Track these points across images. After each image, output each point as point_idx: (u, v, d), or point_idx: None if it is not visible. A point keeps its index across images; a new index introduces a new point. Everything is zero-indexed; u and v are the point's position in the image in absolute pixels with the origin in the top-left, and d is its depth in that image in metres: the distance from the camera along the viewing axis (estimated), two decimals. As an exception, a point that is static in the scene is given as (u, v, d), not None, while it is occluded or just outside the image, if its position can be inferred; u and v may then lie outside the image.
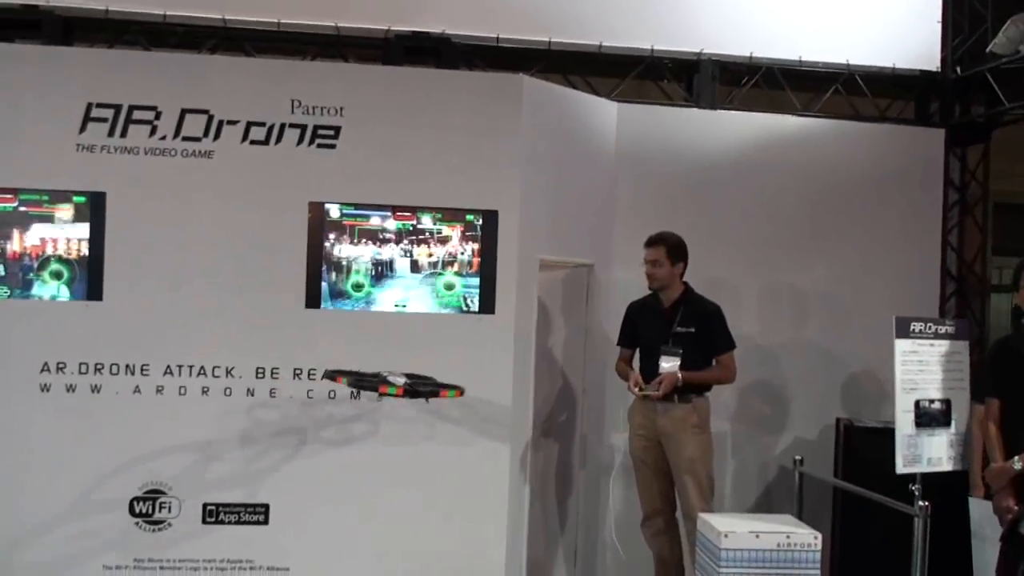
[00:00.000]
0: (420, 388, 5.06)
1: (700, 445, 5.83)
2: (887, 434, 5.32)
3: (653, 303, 6.00)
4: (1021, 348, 4.96)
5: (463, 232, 5.92)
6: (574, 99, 6.54)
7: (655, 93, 7.28)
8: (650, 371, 5.85)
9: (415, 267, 5.91)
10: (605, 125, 6.66)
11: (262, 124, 5.86)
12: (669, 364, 5.76)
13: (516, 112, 5.99)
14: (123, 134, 5.76)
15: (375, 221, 5.89)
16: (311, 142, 5.89)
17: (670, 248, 5.86)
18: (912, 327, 5.37)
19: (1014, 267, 5.03)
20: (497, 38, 6.79)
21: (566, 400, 6.63)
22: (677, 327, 5.83)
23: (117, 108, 5.76)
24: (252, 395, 5.80)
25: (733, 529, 5.04)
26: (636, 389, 5.80)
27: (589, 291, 6.56)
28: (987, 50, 7.09)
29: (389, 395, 5.05)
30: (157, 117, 5.78)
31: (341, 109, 5.90)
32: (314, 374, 5.82)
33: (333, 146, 5.89)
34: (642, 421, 5.91)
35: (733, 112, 6.98)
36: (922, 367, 5.35)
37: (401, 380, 5.09)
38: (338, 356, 5.75)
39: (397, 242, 5.89)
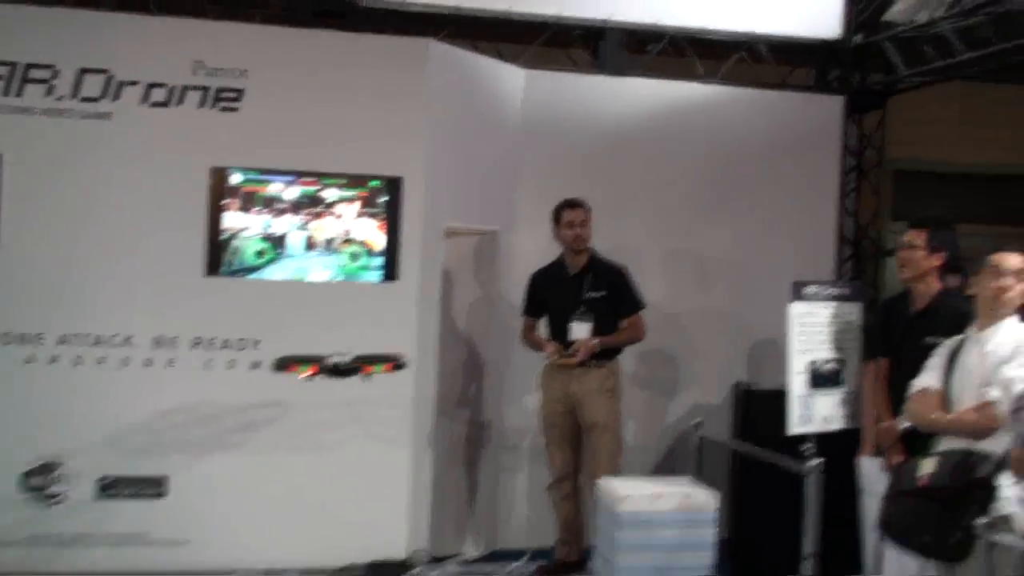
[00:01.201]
0: (345, 366, 4.89)
1: (613, 409, 5.93)
2: (784, 396, 5.46)
3: (558, 270, 6.03)
4: (906, 309, 5.12)
5: (367, 199, 5.90)
6: (481, 65, 6.53)
7: (561, 58, 7.30)
8: (561, 338, 5.90)
9: (318, 235, 5.87)
10: (512, 91, 6.67)
11: (163, 85, 5.76)
12: (582, 330, 5.81)
13: (422, 77, 5.97)
14: (19, 93, 5.63)
15: (278, 187, 5.83)
16: (213, 104, 5.81)
17: (588, 211, 5.93)
18: (807, 290, 5.50)
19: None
20: (404, 1, 6.72)
21: (473, 368, 6.66)
22: (588, 292, 5.88)
23: (12, 66, 5.62)
24: (150, 365, 5.73)
25: (631, 492, 5.14)
26: (555, 357, 5.84)
27: (495, 259, 6.58)
28: (884, 18, 7.23)
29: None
30: (54, 76, 5.65)
31: (245, 71, 5.83)
32: (213, 344, 5.76)
33: (236, 109, 5.82)
34: (556, 386, 5.95)
35: (639, 79, 7.02)
36: (816, 329, 5.49)
37: (347, 359, 4.91)
38: (238, 326, 5.72)
39: (300, 209, 5.84)
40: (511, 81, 6.66)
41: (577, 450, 6.03)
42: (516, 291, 6.33)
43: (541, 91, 6.75)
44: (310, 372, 4.87)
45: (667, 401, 7.01)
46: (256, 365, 5.74)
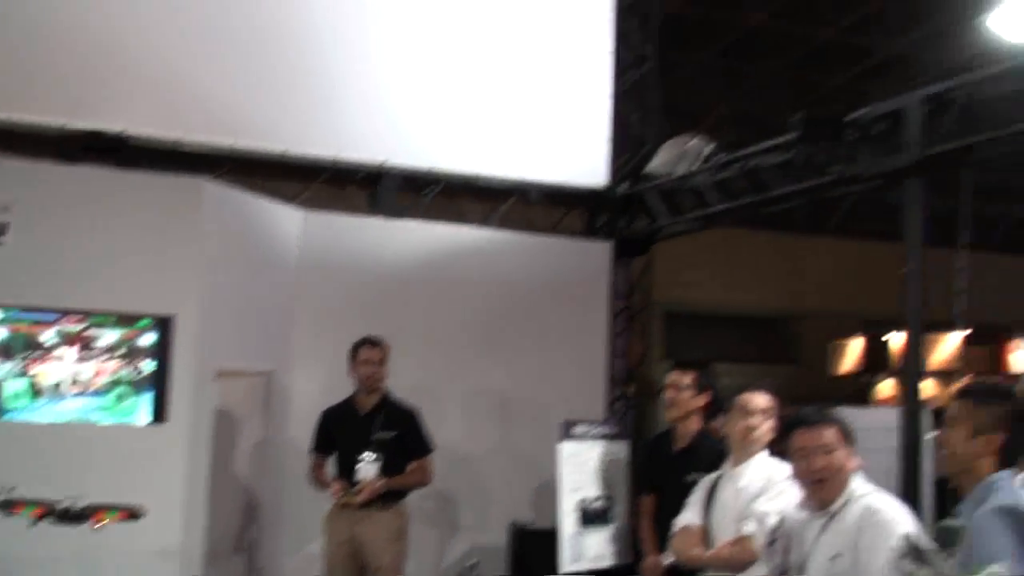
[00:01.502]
0: (76, 511, 4.61)
1: (399, 552, 5.82)
2: (555, 535, 5.53)
3: (350, 409, 5.93)
4: (669, 447, 5.32)
5: (136, 338, 5.74)
6: (257, 206, 6.54)
7: (340, 200, 7.38)
8: (349, 478, 5.79)
9: (84, 375, 5.65)
10: (289, 232, 6.69)
11: (-82, 219, 5.50)
12: (370, 470, 5.71)
13: (195, 216, 5.93)
14: None
15: (42, 326, 5.61)
16: (-27, 239, 5.58)
17: (384, 351, 5.88)
18: (576, 429, 5.66)
19: None
20: (179, 141, 6.67)
21: (249, 513, 6.47)
22: (377, 432, 5.80)
23: None
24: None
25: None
26: (337, 497, 5.75)
27: (270, 399, 6.48)
28: (645, 171, 7.68)
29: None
30: None
31: (8, 207, 5.63)
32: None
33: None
34: (341, 528, 5.78)
35: (415, 222, 7.18)
36: (586, 467, 5.64)
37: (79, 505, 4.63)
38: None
39: (64, 348, 5.63)
40: (288, 222, 6.70)
41: None
42: (293, 432, 6.23)
43: (319, 232, 6.81)
44: (36, 514, 4.56)
45: (447, 540, 6.99)
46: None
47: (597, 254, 7.71)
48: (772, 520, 4.13)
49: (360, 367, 5.85)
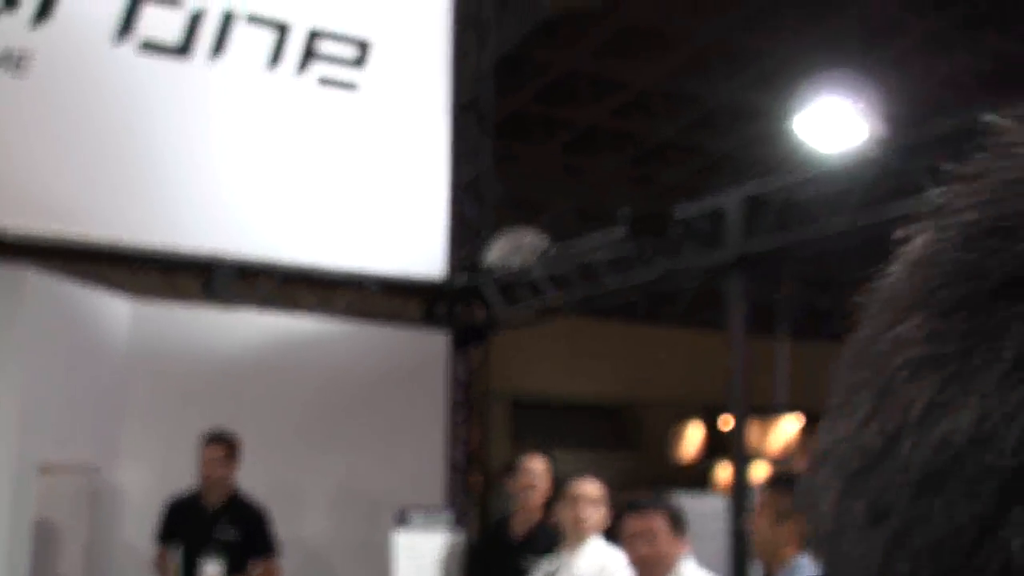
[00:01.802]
0: None
1: None
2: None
3: (195, 503, 5.76)
4: (507, 535, 5.29)
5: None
6: (83, 296, 6.37)
7: (172, 289, 7.25)
8: (190, 573, 5.61)
9: None
10: (117, 322, 6.54)
11: None
12: (212, 570, 5.53)
13: (18, 308, 5.74)
14: None
15: None
16: None
17: (230, 447, 5.74)
18: (412, 518, 5.62)
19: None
20: (2, 228, 6.47)
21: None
22: (221, 530, 5.64)
23: None
24: None
25: None
26: None
27: (95, 498, 6.23)
28: (481, 263, 7.80)
29: None
30: None
31: None
32: None
33: None
34: None
35: (250, 312, 7.11)
36: (423, 558, 5.59)
37: None
38: None
39: None
40: (116, 312, 6.55)
41: None
42: (123, 530, 6.02)
43: (148, 323, 6.68)
44: None
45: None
46: None
47: (434, 343, 7.76)
48: None
49: (202, 465, 5.71)
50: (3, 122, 6.53)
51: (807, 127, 9.44)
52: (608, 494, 4.58)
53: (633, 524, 3.68)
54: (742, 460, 6.32)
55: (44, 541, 5.94)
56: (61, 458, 5.96)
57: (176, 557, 5.73)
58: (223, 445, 5.76)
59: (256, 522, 5.77)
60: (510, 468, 5.30)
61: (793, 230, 6.02)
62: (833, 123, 9.24)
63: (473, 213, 8.25)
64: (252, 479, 6.54)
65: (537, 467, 5.25)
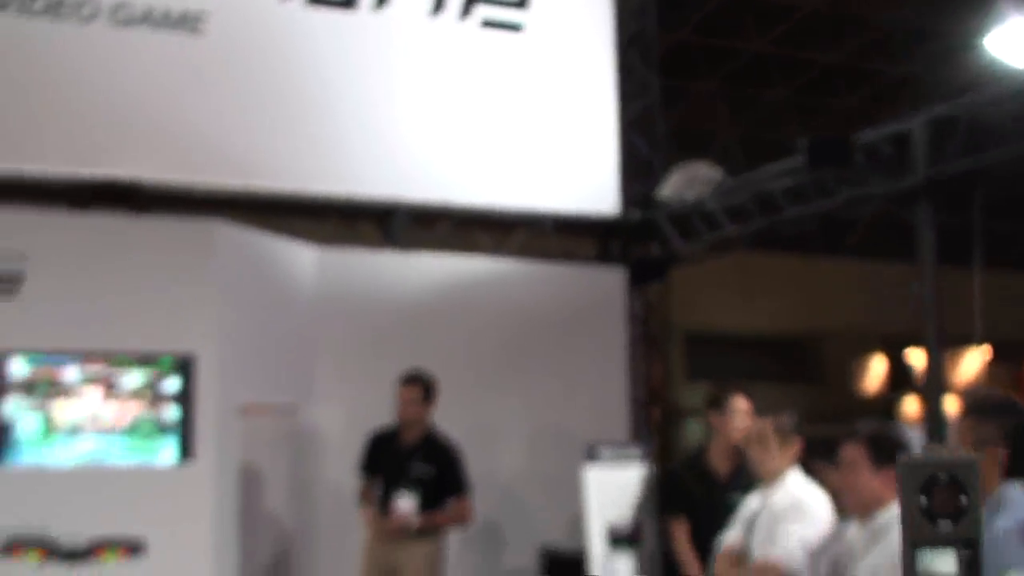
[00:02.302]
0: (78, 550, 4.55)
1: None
2: (584, 558, 5.50)
3: (393, 440, 5.92)
4: (706, 469, 5.27)
5: (158, 378, 5.76)
6: (270, 245, 6.58)
7: (353, 236, 7.43)
8: (386, 506, 5.78)
9: (106, 416, 5.67)
10: (303, 269, 6.73)
11: (-66, 274, 5.56)
12: (406, 505, 5.69)
13: (210, 258, 5.97)
14: None
15: (63, 369, 5.64)
16: (-8, 291, 5.62)
17: (426, 388, 5.88)
18: (600, 452, 5.64)
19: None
20: (192, 184, 6.74)
21: (280, 547, 6.47)
22: (415, 467, 5.79)
23: None
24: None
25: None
26: (373, 525, 5.73)
27: (294, 435, 6.50)
28: (656, 197, 7.70)
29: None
30: None
31: (24, 256, 5.68)
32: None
33: (17, 293, 5.64)
34: (378, 558, 5.79)
35: (429, 255, 7.22)
36: (611, 491, 5.61)
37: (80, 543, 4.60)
38: (24, 517, 5.39)
39: (88, 391, 5.65)
40: (303, 259, 6.74)
41: None
42: (320, 466, 6.26)
43: (333, 268, 6.85)
44: (40, 555, 4.53)
45: (479, 568, 6.96)
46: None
47: (611, 280, 7.73)
48: (795, 542, 4.08)
49: (399, 405, 5.86)
50: (186, 83, 6.75)
51: (996, 44, 8.93)
52: (798, 427, 4.47)
53: (849, 452, 3.61)
54: (936, 392, 6.12)
55: (249, 480, 6.23)
56: (261, 399, 6.21)
57: (377, 488, 5.91)
58: (419, 386, 5.88)
59: (449, 460, 5.88)
60: (715, 403, 5.23)
61: (983, 152, 5.73)
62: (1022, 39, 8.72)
63: (643, 148, 8.15)
64: (437, 416, 6.69)
65: (743, 406, 5.18)
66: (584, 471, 5.55)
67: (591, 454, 5.63)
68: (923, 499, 1.69)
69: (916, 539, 1.68)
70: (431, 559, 5.83)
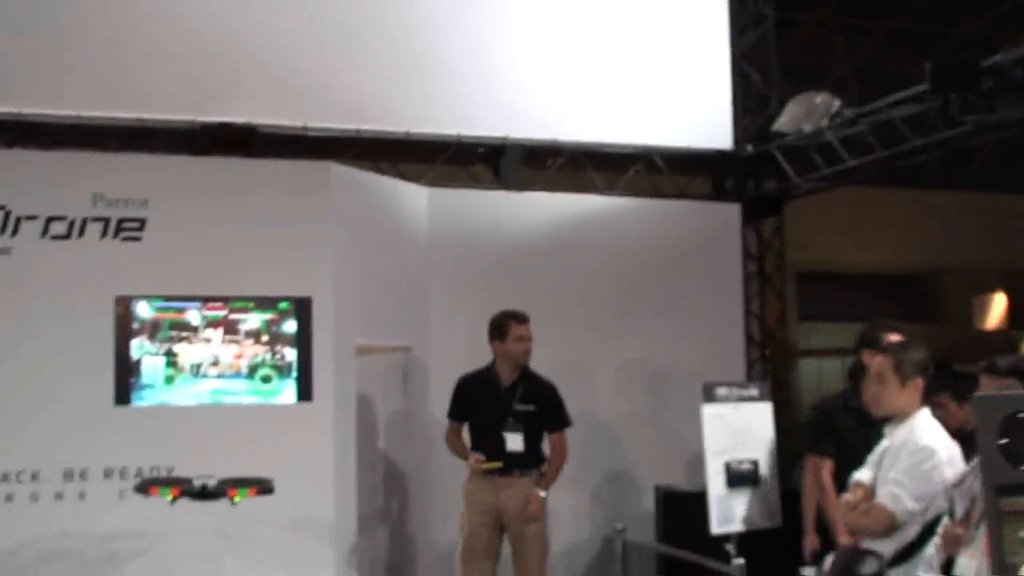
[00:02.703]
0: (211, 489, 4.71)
1: (542, 518, 5.86)
2: (703, 497, 5.47)
3: (489, 379, 5.91)
4: (856, 406, 5.15)
5: (276, 320, 5.86)
6: (383, 185, 6.62)
7: (464, 176, 7.43)
8: (485, 446, 5.82)
9: (227, 358, 5.80)
10: (416, 210, 6.75)
11: (63, 218, 5.69)
12: (516, 441, 5.73)
13: (325, 199, 6.01)
14: (-85, 234, 5.52)
15: (186, 313, 5.77)
16: (116, 235, 5.75)
17: None
18: (718, 392, 5.58)
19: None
20: (305, 127, 6.80)
21: (394, 483, 6.58)
22: (517, 405, 5.81)
23: (-92, 208, 5.52)
24: (61, 499, 5.53)
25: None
26: (478, 465, 5.78)
27: (408, 374, 6.57)
28: (772, 129, 7.51)
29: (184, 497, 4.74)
30: (-50, 216, 5.57)
31: (146, 201, 5.80)
32: (126, 474, 5.60)
33: (139, 239, 5.78)
34: (481, 497, 5.81)
35: (540, 194, 7.18)
36: (729, 429, 5.55)
37: (213, 482, 4.78)
38: (151, 454, 5.58)
39: (209, 334, 5.78)
40: (414, 200, 6.76)
41: (494, 564, 5.93)
42: (430, 406, 6.30)
43: (445, 208, 6.86)
44: (173, 494, 4.71)
45: (590, 506, 7.00)
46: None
47: (725, 217, 7.60)
48: (910, 483, 3.94)
49: (515, 344, 5.81)
50: (299, 29, 6.80)
51: None
52: (924, 365, 4.32)
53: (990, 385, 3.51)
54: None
55: (364, 412, 6.34)
56: (375, 340, 6.28)
57: (475, 430, 5.93)
58: (528, 324, 5.84)
59: (550, 396, 5.89)
60: (869, 341, 5.10)
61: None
62: None
63: (757, 81, 7.95)
64: (548, 356, 6.69)
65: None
66: (702, 410, 5.49)
67: (708, 394, 5.56)
68: (1003, 439, 1.59)
69: (997, 482, 1.59)
70: (536, 498, 5.87)
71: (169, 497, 4.72)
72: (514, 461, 5.75)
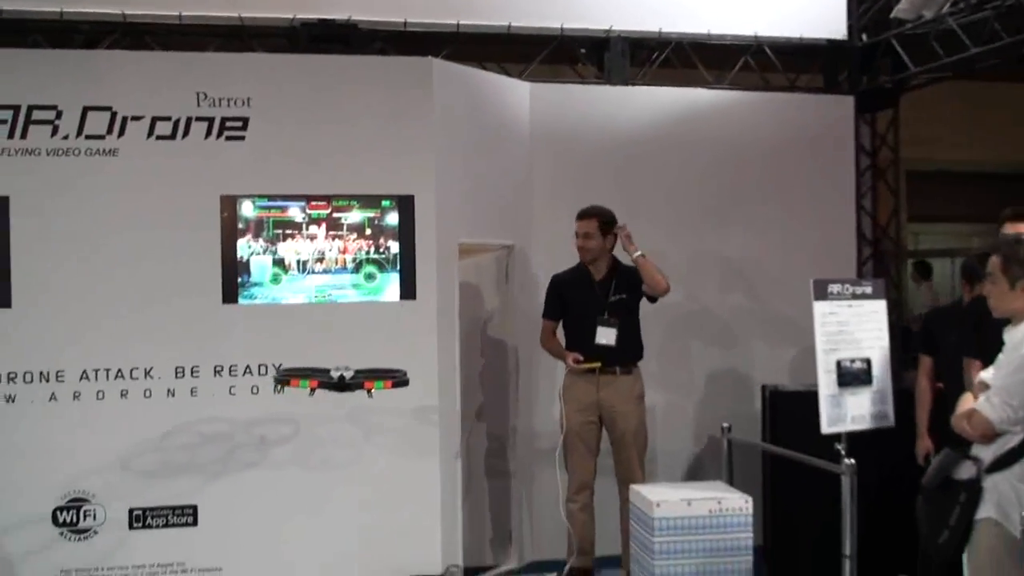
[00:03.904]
0: (348, 380, 4.84)
1: (642, 415, 5.94)
2: (812, 397, 5.35)
3: (583, 276, 6.00)
4: (957, 309, 5.01)
5: (380, 218, 5.84)
6: (485, 80, 6.50)
7: (567, 72, 7.27)
8: (582, 343, 5.87)
9: (332, 256, 5.82)
10: (518, 105, 6.63)
11: (168, 118, 5.71)
12: (608, 335, 5.83)
13: (427, 96, 5.92)
14: (23, 135, 5.58)
15: (289, 212, 5.79)
16: (219, 135, 5.76)
17: (602, 221, 5.91)
18: (830, 289, 5.40)
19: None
20: (404, 23, 6.70)
21: (496, 379, 6.62)
22: (612, 297, 5.88)
23: (15, 109, 5.57)
24: (173, 395, 5.67)
25: (665, 498, 5.05)
26: (575, 363, 5.80)
27: (510, 272, 6.53)
28: (891, 16, 7.17)
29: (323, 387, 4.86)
30: (58, 116, 5.61)
31: (248, 100, 5.79)
32: (235, 371, 5.70)
33: (242, 138, 5.78)
34: (581, 395, 5.89)
35: (645, 87, 7.00)
36: (841, 327, 5.38)
37: (349, 374, 4.90)
38: (259, 351, 5.67)
39: (313, 232, 5.80)
40: (517, 95, 6.64)
41: (596, 460, 5.97)
42: (532, 304, 6.29)
43: (547, 104, 6.73)
44: (312, 385, 4.84)
45: (694, 405, 6.98)
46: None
47: (838, 110, 7.31)
48: (1000, 396, 3.77)
49: (577, 239, 5.94)
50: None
51: None
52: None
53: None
54: None
55: (467, 307, 6.33)
56: (477, 238, 6.24)
57: (571, 327, 6.00)
58: (594, 219, 5.93)
59: (638, 278, 5.89)
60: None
61: None
62: None
63: (873, -34, 7.58)
64: (657, 251, 6.53)
65: None
66: (814, 307, 5.33)
67: (820, 291, 5.39)
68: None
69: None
70: (637, 392, 5.93)
71: (309, 388, 4.83)
72: (608, 356, 5.77)
